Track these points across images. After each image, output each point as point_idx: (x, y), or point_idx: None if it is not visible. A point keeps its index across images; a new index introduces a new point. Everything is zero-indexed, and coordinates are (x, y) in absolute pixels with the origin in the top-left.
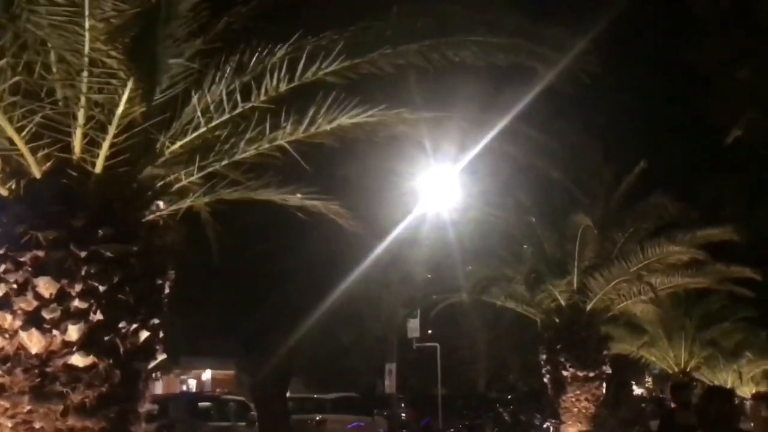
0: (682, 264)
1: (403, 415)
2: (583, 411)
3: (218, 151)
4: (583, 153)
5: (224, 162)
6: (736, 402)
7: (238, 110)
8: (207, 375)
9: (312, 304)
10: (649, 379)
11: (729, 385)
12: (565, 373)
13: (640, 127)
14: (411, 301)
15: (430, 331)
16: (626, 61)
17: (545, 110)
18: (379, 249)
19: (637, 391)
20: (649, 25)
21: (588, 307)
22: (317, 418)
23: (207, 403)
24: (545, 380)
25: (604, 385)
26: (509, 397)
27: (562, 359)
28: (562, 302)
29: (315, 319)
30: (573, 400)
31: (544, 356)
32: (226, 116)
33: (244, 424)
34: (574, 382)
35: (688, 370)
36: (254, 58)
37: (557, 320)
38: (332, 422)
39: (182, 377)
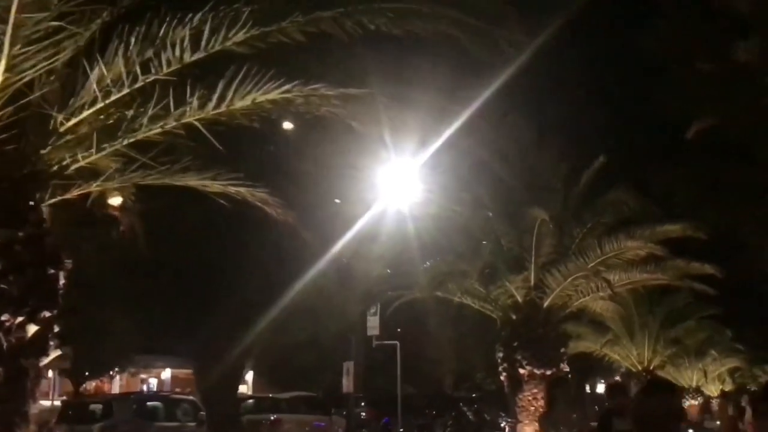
0: (640, 260)
1: (363, 414)
2: (540, 410)
3: (120, 129)
4: (541, 147)
5: (126, 141)
6: (681, 398)
7: (139, 84)
8: (167, 374)
9: (267, 302)
10: (617, 378)
11: (694, 384)
12: (521, 371)
13: (601, 120)
14: (368, 297)
15: (399, 330)
16: (585, 54)
17: (503, 105)
18: (339, 245)
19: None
20: (608, 14)
21: (545, 304)
22: (272, 417)
23: (155, 403)
24: (502, 378)
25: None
26: (473, 395)
27: (519, 357)
28: (519, 299)
29: (270, 316)
30: (530, 398)
31: (501, 354)
32: (126, 90)
33: (194, 424)
34: (531, 380)
35: (651, 368)
36: (162, 29)
37: (514, 317)
38: (287, 422)
39: (142, 376)
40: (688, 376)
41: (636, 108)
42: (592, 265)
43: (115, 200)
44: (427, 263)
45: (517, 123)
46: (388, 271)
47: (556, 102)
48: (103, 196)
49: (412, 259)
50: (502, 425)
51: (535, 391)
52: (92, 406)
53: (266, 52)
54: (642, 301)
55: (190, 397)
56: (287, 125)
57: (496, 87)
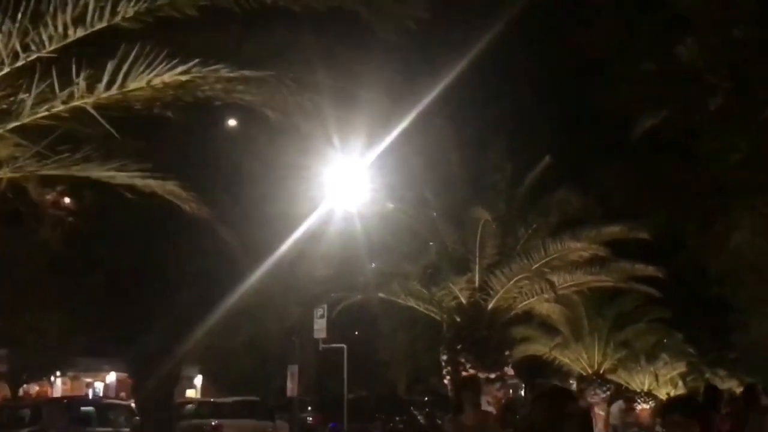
0: (584, 261)
1: (310, 419)
2: None
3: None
4: (487, 147)
5: (11, 125)
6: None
7: (21, 63)
8: (112, 378)
9: (207, 304)
10: (572, 382)
11: (646, 387)
12: (464, 374)
13: (548, 118)
14: (311, 299)
15: (356, 332)
16: (531, 52)
17: (451, 106)
18: (285, 245)
19: None
20: (554, 11)
21: (490, 306)
22: (212, 423)
23: (88, 408)
24: (446, 381)
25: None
26: (426, 399)
27: (462, 360)
28: (463, 300)
29: (209, 319)
30: None
31: (444, 357)
32: (6, 69)
33: (127, 430)
34: None
35: (602, 371)
36: (44, 4)
37: (458, 319)
38: (228, 427)
39: (87, 380)
40: (639, 380)
41: (580, 106)
42: (536, 266)
43: (45, 196)
44: (373, 264)
45: (463, 123)
46: (331, 272)
47: (503, 101)
48: (25, 190)
49: (358, 259)
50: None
51: None
52: (21, 411)
53: (164, 33)
54: (591, 303)
55: (125, 402)
56: (232, 122)
57: (443, 87)
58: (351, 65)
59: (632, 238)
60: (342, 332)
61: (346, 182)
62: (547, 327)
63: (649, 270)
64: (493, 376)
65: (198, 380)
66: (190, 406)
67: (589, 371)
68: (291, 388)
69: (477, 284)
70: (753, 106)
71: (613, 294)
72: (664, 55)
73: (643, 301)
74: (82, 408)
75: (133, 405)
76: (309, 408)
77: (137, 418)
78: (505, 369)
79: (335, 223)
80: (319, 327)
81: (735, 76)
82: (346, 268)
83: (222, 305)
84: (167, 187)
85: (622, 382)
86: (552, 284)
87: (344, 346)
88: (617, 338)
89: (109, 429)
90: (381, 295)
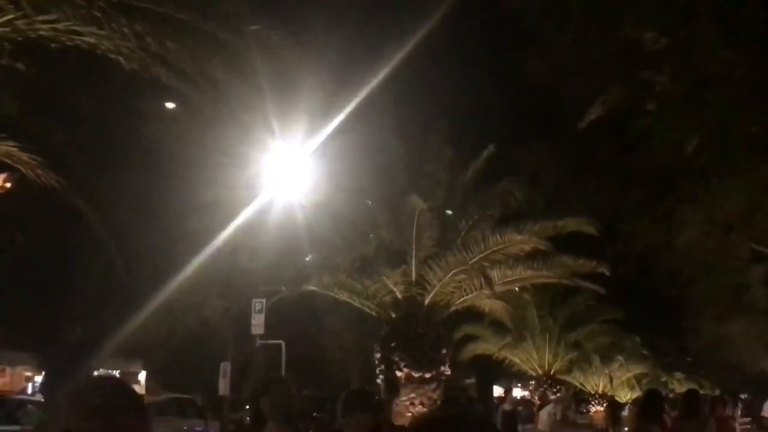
0: (525, 255)
1: (248, 418)
2: (417, 416)
3: None
4: (427, 133)
5: None
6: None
7: None
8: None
9: (126, 296)
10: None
11: (600, 389)
12: (399, 373)
13: (489, 108)
14: (249, 292)
15: (308, 330)
16: (471, 37)
17: (392, 92)
18: (222, 236)
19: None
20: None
21: (426, 301)
22: None
23: None
24: (378, 381)
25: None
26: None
27: (396, 358)
28: (399, 295)
29: (126, 313)
30: (407, 404)
31: (378, 355)
32: None
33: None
34: (408, 383)
35: (552, 372)
36: None
37: (394, 315)
38: (158, 425)
39: (27, 374)
40: (594, 382)
41: (519, 85)
42: (475, 260)
43: None
44: (308, 257)
45: (405, 110)
46: (265, 264)
47: (445, 87)
48: None
49: (297, 251)
50: None
51: (413, 395)
52: None
53: None
54: (542, 302)
55: (36, 398)
56: (170, 105)
57: (385, 74)
58: (290, 54)
59: (579, 234)
60: (287, 328)
61: (286, 171)
62: (498, 326)
63: (592, 266)
64: (428, 375)
65: (142, 376)
66: None
67: (540, 372)
68: (223, 386)
69: (413, 278)
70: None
71: (564, 293)
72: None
73: (595, 301)
74: None
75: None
76: (247, 407)
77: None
78: (442, 368)
79: (275, 212)
80: (257, 322)
81: (681, 48)
82: (284, 260)
83: (154, 296)
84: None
85: (576, 384)
86: (488, 279)
87: (282, 342)
88: (569, 338)
89: (16, 427)
90: (312, 287)
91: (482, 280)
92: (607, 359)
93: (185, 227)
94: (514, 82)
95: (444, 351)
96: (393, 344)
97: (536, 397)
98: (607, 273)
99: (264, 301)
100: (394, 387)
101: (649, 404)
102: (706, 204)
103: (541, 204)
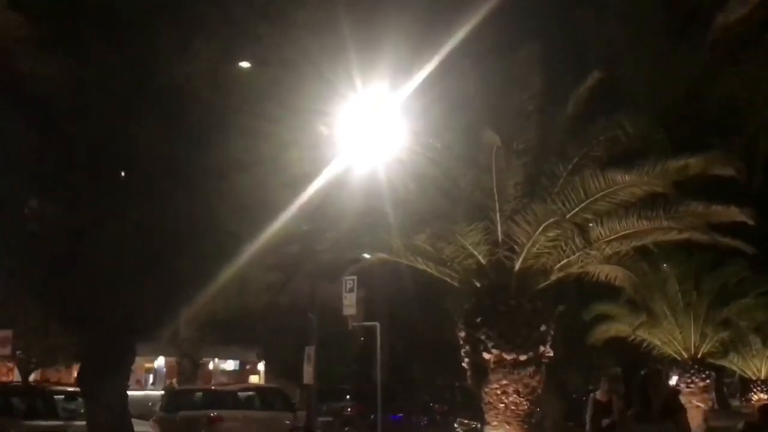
0: (639, 202)
1: (349, 409)
2: (513, 408)
3: None
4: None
5: None
6: None
7: None
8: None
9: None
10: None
11: (764, 375)
12: (486, 355)
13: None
14: (329, 268)
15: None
16: None
17: (478, 47)
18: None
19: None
20: None
21: (517, 266)
22: (211, 414)
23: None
24: (464, 365)
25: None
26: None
27: (483, 337)
28: (482, 259)
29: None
30: (498, 392)
31: (462, 334)
32: None
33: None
34: (498, 368)
35: (699, 356)
36: None
37: (478, 284)
38: (230, 419)
39: None
40: (755, 366)
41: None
42: (574, 211)
43: None
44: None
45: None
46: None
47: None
48: None
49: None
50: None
51: (505, 382)
52: None
53: None
54: (685, 274)
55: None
56: (244, 64)
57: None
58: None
59: (712, 177)
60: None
61: (369, 129)
62: (635, 304)
63: (733, 213)
64: (523, 357)
65: (261, 366)
66: (194, 394)
67: (684, 355)
68: (307, 373)
69: (500, 237)
70: None
71: (714, 263)
72: None
73: (751, 272)
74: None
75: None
76: (347, 397)
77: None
78: (542, 349)
79: (357, 175)
80: (349, 302)
81: None
82: (364, 228)
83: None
84: None
85: (736, 369)
86: (584, 231)
87: (377, 324)
88: (718, 315)
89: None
90: (382, 255)
91: (577, 235)
92: None
93: (263, 191)
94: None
95: (543, 328)
96: (479, 320)
97: (681, 384)
98: (751, 222)
99: (355, 278)
100: (481, 371)
101: None
102: None
103: (662, 140)
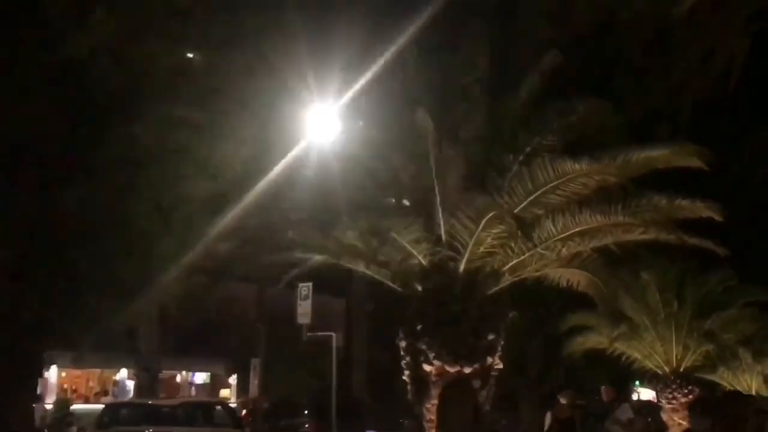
0: (594, 195)
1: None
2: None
3: None
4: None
5: None
6: None
7: None
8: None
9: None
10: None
11: (754, 391)
12: (427, 367)
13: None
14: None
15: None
16: None
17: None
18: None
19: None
20: None
21: (461, 267)
22: None
23: None
24: (404, 378)
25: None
26: None
27: (424, 347)
28: (422, 260)
29: None
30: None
31: (402, 343)
32: None
33: None
34: (441, 380)
35: (682, 369)
36: None
37: (420, 288)
38: None
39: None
40: (745, 381)
41: None
42: (522, 205)
43: None
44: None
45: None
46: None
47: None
48: None
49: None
50: None
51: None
52: None
53: None
54: (666, 283)
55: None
56: (190, 55)
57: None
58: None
59: (678, 169)
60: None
61: (319, 124)
62: (615, 315)
63: (699, 208)
64: (468, 370)
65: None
66: (122, 409)
67: (666, 369)
68: (253, 386)
69: (443, 237)
70: None
71: (696, 272)
72: None
73: (734, 281)
74: None
75: None
76: (305, 412)
77: None
78: (489, 360)
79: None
80: (303, 311)
81: None
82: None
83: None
84: None
85: (726, 384)
86: (524, 225)
87: (333, 334)
88: (701, 327)
89: None
90: (317, 256)
91: (518, 229)
92: (759, 354)
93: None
94: None
95: (492, 337)
96: (419, 328)
97: (662, 400)
98: (719, 218)
99: (310, 285)
100: (422, 385)
101: None
102: None
103: (620, 128)
